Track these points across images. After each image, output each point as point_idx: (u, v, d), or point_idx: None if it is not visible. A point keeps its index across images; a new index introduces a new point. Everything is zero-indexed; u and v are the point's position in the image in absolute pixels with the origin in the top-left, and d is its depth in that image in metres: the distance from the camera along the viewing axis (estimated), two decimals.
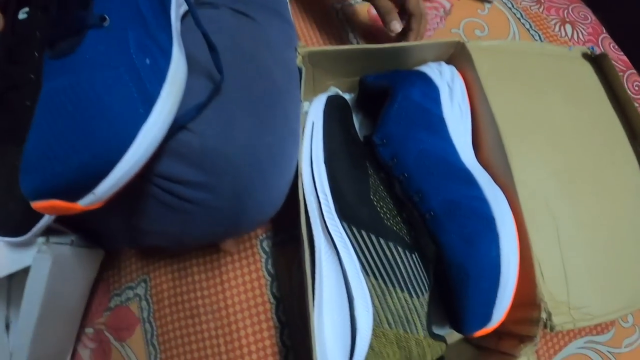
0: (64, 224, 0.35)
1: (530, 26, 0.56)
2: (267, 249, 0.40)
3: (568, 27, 0.57)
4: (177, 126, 0.25)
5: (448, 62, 0.40)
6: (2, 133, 0.31)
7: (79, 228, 0.36)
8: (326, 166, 0.31)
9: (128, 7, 0.25)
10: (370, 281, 0.28)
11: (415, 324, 0.28)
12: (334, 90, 0.43)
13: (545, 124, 0.36)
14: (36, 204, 0.22)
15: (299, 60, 0.36)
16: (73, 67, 0.23)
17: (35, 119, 0.23)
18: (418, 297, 0.29)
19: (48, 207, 0.21)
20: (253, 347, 0.37)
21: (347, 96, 0.44)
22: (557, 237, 0.31)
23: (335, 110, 0.35)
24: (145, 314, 0.40)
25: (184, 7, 0.31)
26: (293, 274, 0.39)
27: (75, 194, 0.21)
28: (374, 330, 0.27)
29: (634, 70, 0.56)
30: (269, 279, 0.39)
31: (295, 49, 0.36)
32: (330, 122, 0.34)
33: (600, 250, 0.32)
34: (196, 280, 0.39)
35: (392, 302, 0.28)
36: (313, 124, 0.34)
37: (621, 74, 0.55)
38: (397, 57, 0.39)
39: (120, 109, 0.22)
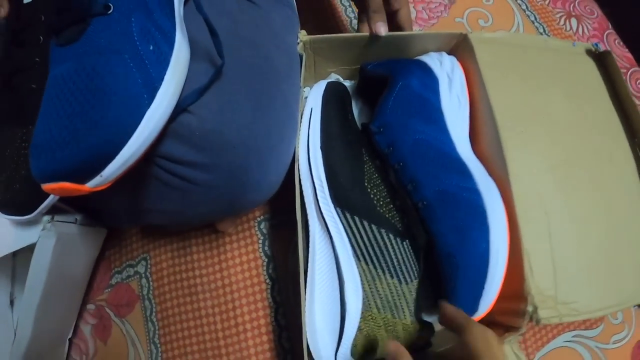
0: (68, 203, 0.36)
1: (535, 18, 0.56)
2: (264, 230, 0.41)
3: (573, 21, 0.57)
4: (178, 109, 0.25)
5: (450, 52, 0.40)
6: (8, 115, 0.32)
7: (83, 207, 0.37)
8: (322, 152, 0.32)
9: None
10: (362, 266, 0.29)
11: (403, 309, 0.29)
12: (334, 77, 0.44)
13: (544, 118, 0.36)
14: (46, 186, 0.23)
15: (299, 47, 0.36)
16: (78, 53, 0.23)
17: (43, 104, 0.24)
18: (407, 283, 0.30)
19: (57, 188, 0.22)
20: (248, 326, 0.38)
21: (347, 83, 0.44)
22: (549, 231, 0.31)
23: (334, 97, 0.36)
24: (145, 291, 0.41)
25: None
26: (289, 256, 0.40)
27: (83, 177, 0.22)
28: (363, 313, 0.28)
29: (637, 68, 0.56)
30: (266, 259, 0.40)
31: (297, 35, 0.36)
32: (329, 109, 0.34)
33: (592, 247, 0.32)
34: (195, 259, 0.40)
35: (382, 287, 0.29)
36: (311, 109, 0.35)
37: (624, 71, 0.54)
38: (398, 46, 0.39)
39: (125, 94, 0.22)
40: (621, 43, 0.58)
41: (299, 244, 0.31)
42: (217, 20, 0.27)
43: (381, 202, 0.32)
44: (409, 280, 0.30)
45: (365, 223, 0.30)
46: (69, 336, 0.44)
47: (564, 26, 0.56)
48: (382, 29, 0.36)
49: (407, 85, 0.35)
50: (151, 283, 0.41)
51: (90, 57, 0.23)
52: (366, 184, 0.32)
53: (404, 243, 0.31)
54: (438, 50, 0.41)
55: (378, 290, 0.29)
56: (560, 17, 0.57)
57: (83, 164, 0.22)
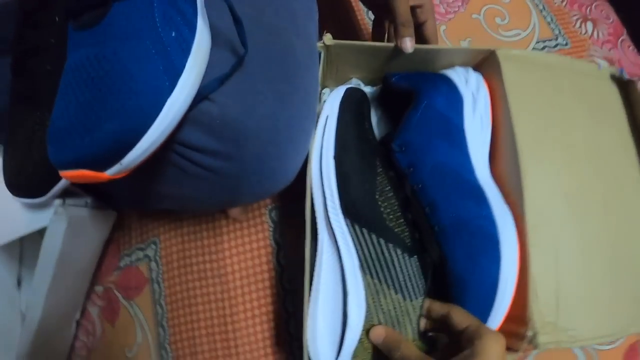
0: (79, 186, 0.36)
1: (552, 19, 0.55)
2: (275, 218, 0.41)
3: (589, 24, 0.56)
4: (199, 97, 0.25)
5: (476, 67, 0.39)
6: (21, 97, 0.32)
7: (93, 190, 0.37)
8: (335, 162, 0.32)
9: None
10: (367, 279, 0.29)
11: (405, 326, 0.29)
12: (355, 82, 0.43)
13: (563, 144, 0.35)
14: (65, 173, 0.22)
15: (319, 46, 0.35)
16: (98, 38, 0.23)
17: (61, 89, 0.24)
18: (411, 300, 0.29)
19: (77, 176, 0.22)
20: (257, 312, 0.38)
21: (368, 89, 0.43)
22: (556, 259, 0.31)
23: (351, 105, 0.35)
24: (154, 275, 0.42)
25: None
26: (299, 246, 0.40)
27: (102, 164, 0.22)
28: (364, 326, 0.28)
29: None
30: (276, 247, 0.40)
31: (316, 22, 0.36)
32: (345, 118, 0.34)
33: (595, 278, 0.32)
34: (205, 244, 0.40)
35: (385, 302, 0.29)
36: (327, 117, 0.34)
37: (636, 78, 0.54)
38: (424, 59, 0.38)
39: (146, 81, 0.22)
40: (634, 49, 0.58)
41: (305, 251, 0.31)
42: (238, 7, 0.26)
43: (391, 216, 0.31)
44: (413, 297, 0.30)
45: (374, 236, 0.30)
46: (77, 317, 0.44)
47: (580, 29, 0.56)
48: (409, 45, 0.34)
49: (432, 105, 0.35)
50: (160, 267, 0.42)
51: (111, 42, 0.23)
52: (377, 197, 0.32)
53: (412, 259, 0.30)
54: (464, 64, 0.40)
55: (381, 305, 0.29)
56: (577, 19, 0.56)
57: (103, 151, 0.21)
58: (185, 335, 0.39)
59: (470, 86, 0.36)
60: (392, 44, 0.36)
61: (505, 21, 0.54)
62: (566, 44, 0.54)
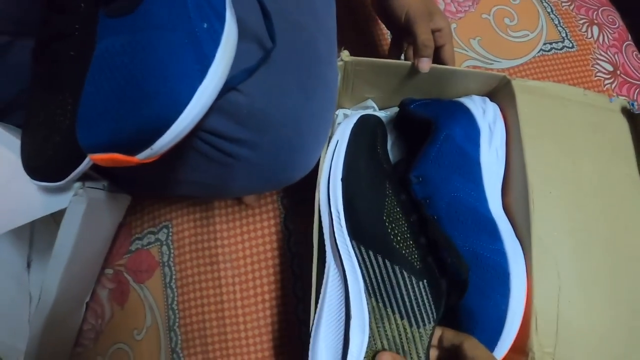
0: (96, 170, 0.37)
1: (559, 22, 0.56)
2: (286, 205, 0.42)
3: (595, 28, 0.57)
4: (228, 87, 0.26)
5: (490, 94, 0.40)
6: (43, 81, 0.32)
7: (110, 174, 0.38)
8: (343, 183, 0.32)
9: None
10: (371, 302, 0.28)
11: (411, 354, 0.28)
12: (370, 104, 0.44)
13: (571, 181, 0.36)
14: (95, 157, 0.23)
15: (339, 66, 0.36)
16: (132, 26, 0.23)
17: (91, 74, 0.24)
18: (418, 327, 0.28)
19: (107, 159, 0.23)
20: (267, 296, 0.39)
21: (382, 113, 0.44)
22: (558, 294, 0.33)
23: (363, 130, 0.35)
24: (165, 258, 0.43)
25: None
26: (308, 233, 0.41)
27: (133, 149, 0.22)
28: (367, 352, 0.27)
29: None
30: (286, 233, 0.41)
31: (335, 20, 0.37)
32: (356, 142, 0.34)
33: (596, 312, 0.34)
34: (217, 229, 0.41)
35: (390, 327, 0.28)
36: (338, 141, 0.34)
37: (638, 83, 0.55)
38: (439, 79, 0.39)
39: (179, 70, 0.23)
40: (638, 55, 0.59)
41: (313, 274, 0.31)
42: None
43: (399, 238, 0.30)
44: (420, 324, 0.28)
45: (379, 258, 0.29)
46: (87, 300, 0.45)
47: (586, 33, 0.57)
48: (426, 65, 0.35)
49: (450, 137, 0.35)
50: (172, 250, 0.42)
51: (145, 31, 0.23)
52: (384, 218, 0.31)
53: (420, 283, 0.29)
54: (479, 89, 0.40)
55: (386, 331, 0.28)
56: (583, 23, 0.57)
57: (135, 136, 0.22)
58: (195, 319, 0.40)
59: (488, 118, 0.37)
60: (409, 62, 0.37)
61: (514, 22, 0.55)
62: (572, 47, 0.55)
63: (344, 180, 0.32)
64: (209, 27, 0.25)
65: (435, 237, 0.32)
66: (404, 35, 0.40)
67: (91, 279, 0.44)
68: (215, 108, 0.26)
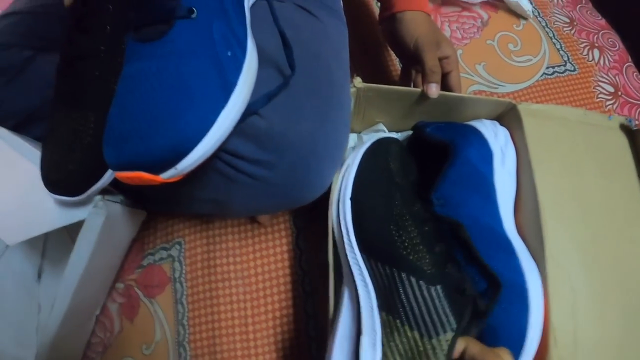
0: (113, 184, 0.37)
1: (561, 46, 0.58)
2: (298, 225, 0.43)
3: (596, 51, 0.59)
4: (249, 111, 0.27)
5: (498, 118, 0.42)
6: (66, 97, 0.33)
7: (127, 189, 0.39)
8: (351, 202, 0.33)
9: (213, 0, 0.27)
10: (383, 317, 0.27)
11: None
12: (380, 127, 0.45)
13: (577, 198, 0.38)
14: (121, 174, 0.24)
15: (352, 92, 0.37)
16: (161, 52, 0.25)
17: (119, 95, 0.25)
18: (430, 337, 0.26)
19: (133, 177, 0.24)
20: (277, 314, 0.40)
21: (394, 135, 0.45)
22: (573, 306, 0.34)
23: (375, 152, 0.35)
24: (177, 274, 0.43)
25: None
26: (320, 251, 0.42)
27: (159, 168, 0.24)
28: None
29: None
30: (298, 252, 0.42)
31: (348, 50, 0.38)
32: (366, 163, 0.34)
33: (610, 322, 0.35)
34: (230, 247, 0.42)
35: (401, 341, 0.26)
36: (349, 165, 0.35)
37: (639, 102, 0.57)
38: (448, 105, 0.40)
39: (204, 95, 0.24)
40: (638, 75, 0.61)
41: (329, 286, 0.32)
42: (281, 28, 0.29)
43: (406, 244, 0.29)
44: (433, 334, 0.26)
45: (387, 267, 0.29)
46: (97, 313, 0.45)
47: (587, 56, 0.58)
48: (435, 90, 0.37)
49: (467, 158, 0.36)
50: (184, 267, 0.43)
51: (174, 57, 0.25)
52: (392, 227, 0.31)
53: (432, 289, 0.27)
54: (487, 115, 0.42)
55: (397, 345, 0.26)
56: (584, 47, 0.59)
57: (161, 156, 0.23)
58: (205, 335, 0.41)
59: (499, 141, 0.38)
60: (418, 90, 0.38)
61: (518, 47, 0.56)
62: (574, 70, 0.56)
63: (352, 199, 0.32)
64: (232, 55, 0.26)
65: (472, 255, 0.32)
66: (413, 63, 0.41)
67: (102, 292, 0.45)
68: (237, 131, 0.27)
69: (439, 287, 0.27)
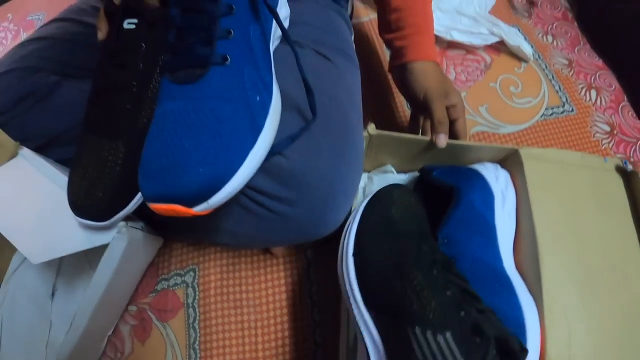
0: (135, 212, 0.38)
1: (560, 88, 0.61)
2: (310, 257, 0.45)
3: (593, 92, 0.62)
4: (273, 151, 0.30)
5: (500, 161, 0.45)
6: (97, 126, 0.34)
7: (147, 216, 0.40)
8: (354, 259, 0.32)
9: (244, 48, 0.29)
10: None
11: None
12: (389, 168, 0.48)
13: (574, 237, 0.40)
14: (156, 206, 0.26)
15: (365, 136, 0.39)
16: (196, 94, 0.27)
17: (154, 131, 0.27)
18: None
19: (168, 209, 0.25)
20: (287, 341, 0.41)
21: (401, 176, 0.48)
22: (569, 339, 0.35)
23: (375, 205, 0.35)
24: (190, 300, 0.45)
25: (275, 44, 0.37)
26: (329, 284, 0.44)
27: (192, 202, 0.25)
28: None
29: None
30: (309, 283, 0.44)
31: (360, 93, 0.41)
32: (366, 217, 0.34)
33: (604, 355, 0.36)
34: (243, 275, 0.44)
35: None
36: (350, 223, 0.34)
37: (634, 140, 0.60)
38: (454, 152, 0.43)
39: (236, 136, 0.26)
40: (634, 115, 0.63)
41: (340, 342, 0.33)
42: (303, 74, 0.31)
43: (408, 292, 0.29)
44: None
45: (391, 319, 0.28)
46: (109, 333, 0.46)
47: (584, 96, 0.61)
48: (443, 141, 0.39)
49: (471, 202, 0.39)
50: (197, 293, 0.45)
51: (208, 100, 0.27)
52: (394, 279, 0.30)
53: (439, 336, 0.26)
54: (490, 159, 0.44)
55: None
56: (582, 88, 0.62)
57: (195, 191, 0.25)
58: None
59: (500, 184, 0.41)
60: (427, 138, 0.41)
61: (519, 89, 0.59)
62: (572, 110, 0.59)
63: (355, 255, 0.32)
64: (260, 100, 0.29)
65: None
66: (422, 110, 0.44)
67: (116, 314, 0.46)
68: (261, 169, 0.29)
69: (448, 333, 0.26)
